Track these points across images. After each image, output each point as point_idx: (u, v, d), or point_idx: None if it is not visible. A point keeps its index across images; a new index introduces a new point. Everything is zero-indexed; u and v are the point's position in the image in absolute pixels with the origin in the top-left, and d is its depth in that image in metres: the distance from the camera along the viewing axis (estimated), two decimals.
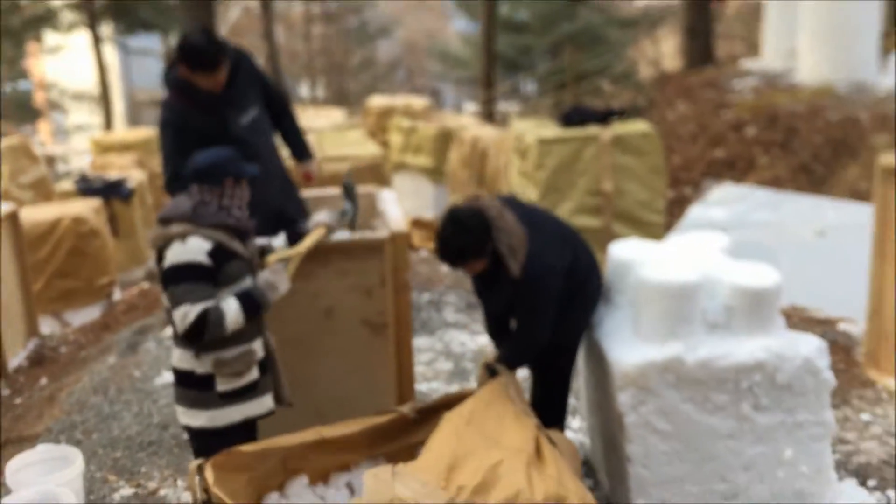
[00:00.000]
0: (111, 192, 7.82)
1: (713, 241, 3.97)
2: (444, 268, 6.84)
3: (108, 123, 18.15)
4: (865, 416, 4.52)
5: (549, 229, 3.51)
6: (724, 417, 3.46)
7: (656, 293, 3.48)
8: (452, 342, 5.88)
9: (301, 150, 4.49)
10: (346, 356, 3.76)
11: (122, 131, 15.14)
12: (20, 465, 3.73)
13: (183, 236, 2.97)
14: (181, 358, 3.08)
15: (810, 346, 3.50)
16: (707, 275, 3.57)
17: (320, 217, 3.50)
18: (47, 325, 6.68)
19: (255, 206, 3.30)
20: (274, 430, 3.25)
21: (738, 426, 3.48)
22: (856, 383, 4.91)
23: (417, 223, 8.29)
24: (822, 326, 5.67)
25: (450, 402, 3.29)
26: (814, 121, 8.65)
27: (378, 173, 7.10)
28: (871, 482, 3.90)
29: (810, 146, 8.36)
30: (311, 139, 7.88)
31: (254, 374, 3.14)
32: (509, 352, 3.52)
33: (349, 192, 3.65)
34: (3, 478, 3.83)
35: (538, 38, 20.66)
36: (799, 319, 5.78)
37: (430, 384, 5.22)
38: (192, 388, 3.08)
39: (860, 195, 6.98)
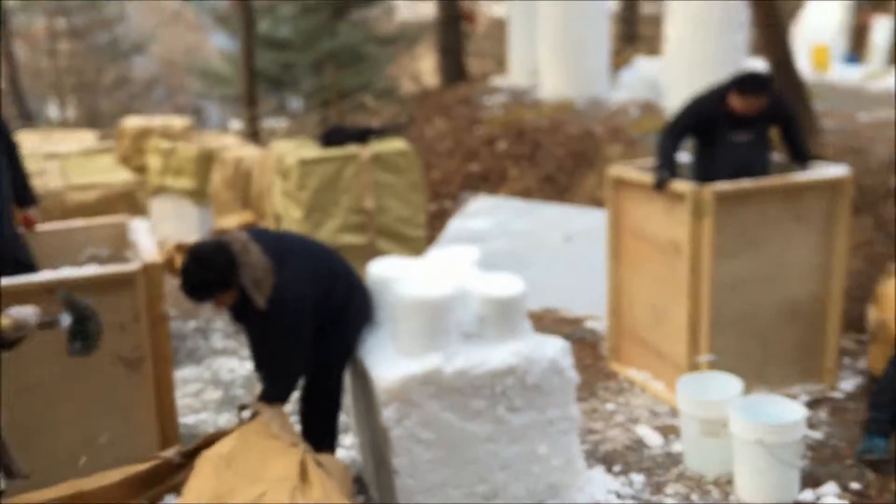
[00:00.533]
0: None
1: (465, 255, 4.19)
2: None
3: None
4: (610, 406, 4.94)
5: (300, 257, 3.56)
6: (483, 422, 3.67)
7: (413, 309, 3.62)
8: (221, 370, 5.76)
9: (27, 195, 4.33)
10: (100, 397, 3.57)
11: None
12: None
13: None
14: None
15: (555, 348, 3.78)
16: (460, 288, 3.76)
17: (22, 311, 2.77)
18: None
19: None
20: (28, 488, 3.03)
21: (495, 429, 3.69)
22: (601, 376, 5.36)
23: (181, 247, 8.00)
24: (571, 325, 6.12)
25: (214, 441, 3.23)
26: (556, 134, 9.33)
27: (131, 201, 6.79)
28: (617, 467, 4.27)
29: (554, 158, 9.00)
30: (54, 166, 7.41)
31: None
32: (268, 387, 3.52)
33: (73, 307, 2.96)
34: None
35: (301, 55, 20.58)
36: (552, 320, 6.20)
37: (198, 416, 5.08)
38: None
39: (599, 202, 7.60)
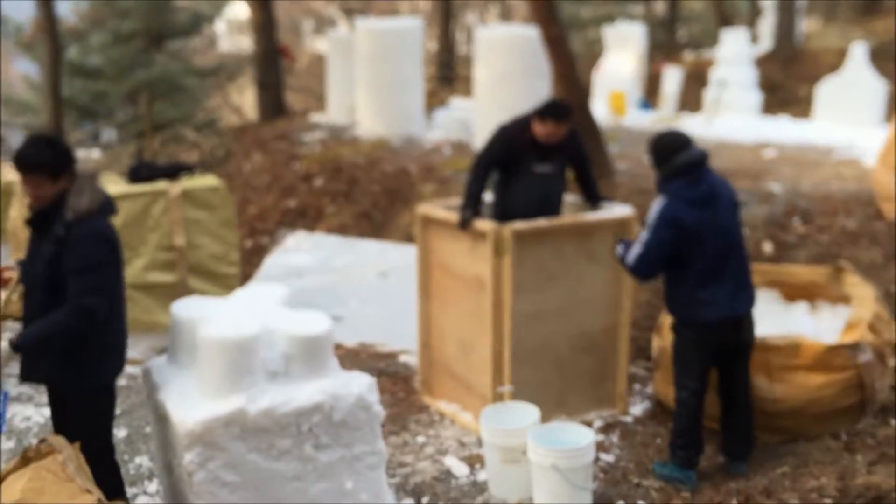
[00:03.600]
0: None
1: (272, 293, 4.20)
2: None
3: None
4: (421, 439, 5.06)
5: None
6: (289, 461, 3.67)
7: (217, 349, 3.59)
8: (15, 418, 5.42)
9: None
10: None
11: None
12: None
13: None
14: None
15: (361, 384, 3.85)
16: (265, 326, 3.77)
17: None
18: None
19: None
20: None
21: (302, 467, 3.70)
22: (413, 409, 5.48)
23: None
24: (386, 360, 6.22)
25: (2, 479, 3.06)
26: (372, 172, 9.52)
27: None
28: (425, 499, 4.38)
29: (370, 195, 9.17)
30: None
31: None
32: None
33: None
34: None
35: (114, 85, 19.79)
36: (367, 355, 6.27)
37: None
38: None
39: (413, 238, 7.80)
